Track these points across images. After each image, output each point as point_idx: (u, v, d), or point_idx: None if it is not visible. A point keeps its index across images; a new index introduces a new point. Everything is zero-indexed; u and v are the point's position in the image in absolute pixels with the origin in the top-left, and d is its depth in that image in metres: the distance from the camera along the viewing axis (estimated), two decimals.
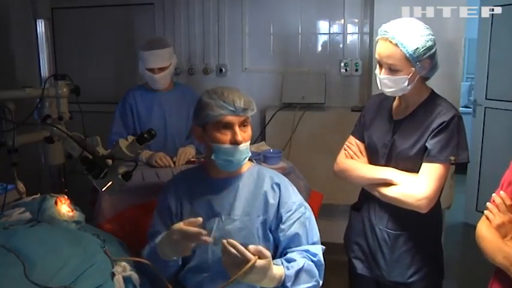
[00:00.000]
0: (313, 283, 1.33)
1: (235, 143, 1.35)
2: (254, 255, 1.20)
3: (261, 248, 1.22)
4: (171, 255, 1.33)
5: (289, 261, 1.33)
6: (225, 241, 1.21)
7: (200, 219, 1.26)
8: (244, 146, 1.37)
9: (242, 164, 1.41)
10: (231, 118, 1.35)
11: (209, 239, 1.24)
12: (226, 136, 1.36)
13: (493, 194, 1.35)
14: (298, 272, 1.30)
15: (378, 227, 1.63)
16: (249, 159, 1.53)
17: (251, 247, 1.21)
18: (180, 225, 1.27)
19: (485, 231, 1.31)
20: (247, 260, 1.18)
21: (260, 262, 1.20)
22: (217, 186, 1.44)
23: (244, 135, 1.37)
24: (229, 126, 1.36)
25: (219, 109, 1.34)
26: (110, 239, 1.48)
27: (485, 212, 1.35)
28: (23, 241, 1.23)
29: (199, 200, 1.45)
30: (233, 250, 1.19)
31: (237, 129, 1.36)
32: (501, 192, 1.33)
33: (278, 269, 1.28)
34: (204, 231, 1.23)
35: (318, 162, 2.55)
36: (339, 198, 2.51)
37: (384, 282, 1.65)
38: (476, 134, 3.83)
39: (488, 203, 1.35)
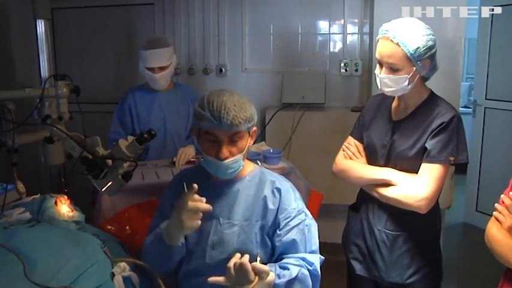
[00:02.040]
0: None
1: (218, 158, 1.31)
2: (255, 273, 1.20)
3: (262, 268, 1.20)
4: (179, 233, 1.28)
5: (283, 268, 1.29)
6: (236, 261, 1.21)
7: (195, 185, 1.24)
8: (232, 161, 1.32)
9: (232, 176, 1.37)
10: (217, 132, 1.30)
11: (209, 207, 1.24)
12: (213, 148, 1.32)
13: (502, 195, 1.33)
14: (290, 282, 1.26)
15: (376, 228, 1.62)
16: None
17: (254, 266, 1.19)
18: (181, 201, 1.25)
19: (497, 233, 1.29)
20: (251, 281, 1.19)
21: (259, 282, 1.20)
22: (218, 189, 1.42)
23: (232, 149, 1.32)
24: (215, 139, 1.31)
25: (206, 121, 1.29)
26: (110, 239, 1.48)
27: (495, 213, 1.33)
28: (23, 241, 1.23)
29: None
30: (232, 271, 1.20)
31: (223, 145, 1.30)
32: (510, 193, 1.30)
33: (269, 276, 1.24)
34: (203, 199, 1.23)
35: (318, 162, 2.55)
36: (339, 198, 2.51)
37: (383, 283, 1.64)
38: (476, 134, 3.83)
39: (497, 204, 1.33)
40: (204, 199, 1.24)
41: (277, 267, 1.29)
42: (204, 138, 1.35)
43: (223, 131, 1.29)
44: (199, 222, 1.25)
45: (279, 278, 1.26)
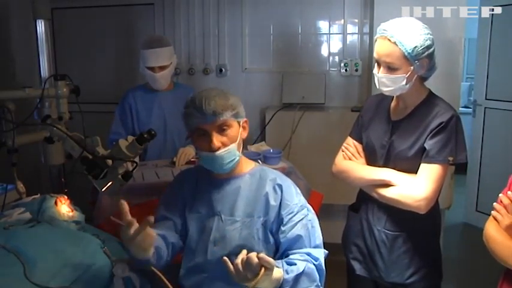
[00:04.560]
0: (313, 287, 1.30)
1: (210, 150, 1.34)
2: (261, 265, 1.18)
3: (268, 259, 1.18)
4: (138, 254, 1.25)
5: (289, 264, 1.30)
6: (226, 258, 1.20)
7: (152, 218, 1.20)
8: (224, 152, 1.34)
9: (230, 168, 1.39)
10: (203, 126, 1.33)
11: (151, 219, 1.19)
12: (205, 143, 1.35)
13: (500, 195, 1.33)
14: (297, 276, 1.27)
15: (376, 228, 1.62)
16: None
17: (259, 256, 1.17)
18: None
19: (495, 233, 1.29)
20: (257, 272, 1.17)
21: (266, 274, 1.19)
22: (219, 186, 1.44)
23: (223, 139, 1.34)
24: (205, 133, 1.34)
25: (192, 118, 1.33)
26: (110, 239, 1.48)
27: (493, 212, 1.32)
28: (23, 241, 1.23)
29: (201, 199, 1.45)
30: (240, 267, 1.17)
31: (212, 135, 1.33)
32: (509, 192, 1.30)
33: (277, 272, 1.25)
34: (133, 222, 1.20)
35: (318, 162, 2.54)
36: (339, 199, 2.51)
37: (383, 283, 1.64)
38: (476, 134, 3.83)
39: (495, 204, 1.33)
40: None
41: (284, 264, 1.30)
42: (195, 136, 1.37)
43: (209, 123, 1.32)
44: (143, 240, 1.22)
45: (287, 273, 1.27)
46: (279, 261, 1.31)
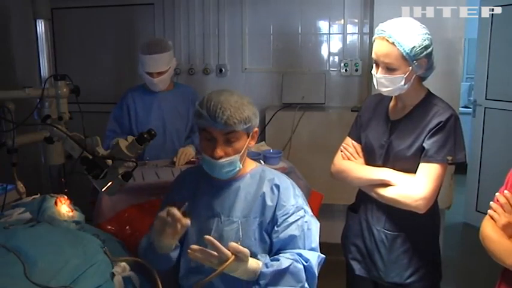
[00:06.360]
0: None
1: (212, 157, 1.32)
2: (232, 253, 1.20)
3: (238, 247, 1.20)
4: (160, 246, 1.31)
5: (273, 260, 1.29)
6: (194, 247, 1.22)
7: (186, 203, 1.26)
8: (227, 161, 1.32)
9: (229, 176, 1.37)
10: (212, 131, 1.31)
11: (187, 221, 1.24)
12: (209, 147, 1.33)
13: (497, 194, 1.33)
14: (279, 273, 1.25)
15: (375, 228, 1.62)
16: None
17: (230, 245, 1.20)
18: (163, 212, 1.25)
19: (491, 232, 1.29)
20: (226, 259, 1.20)
21: (236, 260, 1.21)
22: (219, 187, 1.43)
23: (228, 149, 1.32)
24: (211, 138, 1.33)
25: (203, 119, 1.31)
26: (110, 239, 1.48)
27: (489, 211, 1.32)
28: (23, 241, 1.23)
29: (201, 200, 1.44)
30: (209, 250, 1.21)
31: (218, 144, 1.31)
32: (505, 191, 1.30)
33: (254, 263, 1.25)
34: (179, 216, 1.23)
35: (318, 162, 2.55)
36: (339, 199, 2.51)
37: (382, 283, 1.64)
38: (476, 134, 3.83)
39: (492, 203, 1.33)
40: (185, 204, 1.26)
41: (267, 258, 1.30)
42: (202, 136, 1.36)
43: (218, 130, 1.30)
44: (173, 235, 1.27)
45: (266, 267, 1.26)
46: (264, 255, 1.31)
